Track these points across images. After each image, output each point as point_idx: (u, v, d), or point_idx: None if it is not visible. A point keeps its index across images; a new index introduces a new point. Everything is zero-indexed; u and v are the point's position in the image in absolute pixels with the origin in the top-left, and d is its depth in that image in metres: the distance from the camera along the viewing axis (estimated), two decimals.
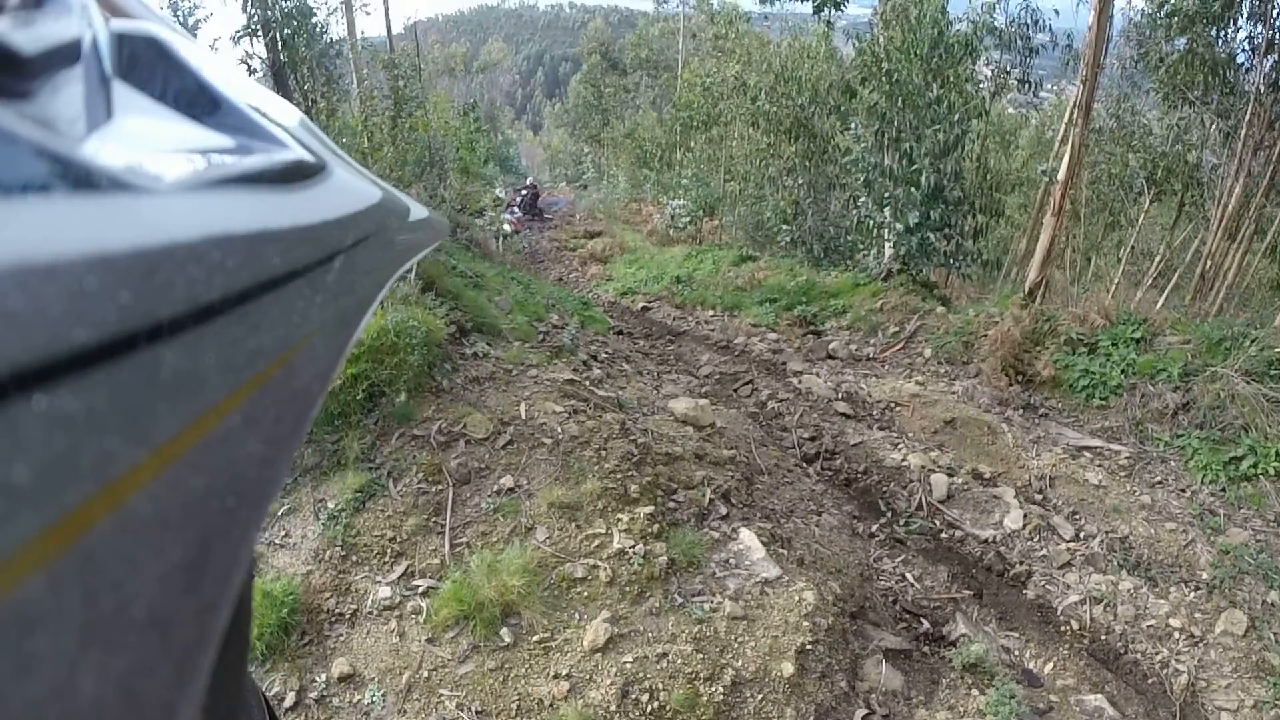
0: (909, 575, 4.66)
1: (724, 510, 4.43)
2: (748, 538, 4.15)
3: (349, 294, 0.37)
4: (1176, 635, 4.47)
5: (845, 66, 15.56)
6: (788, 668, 3.40)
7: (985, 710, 3.54)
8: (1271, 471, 5.92)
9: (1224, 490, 5.93)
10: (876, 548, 4.91)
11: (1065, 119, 12.82)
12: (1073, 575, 4.85)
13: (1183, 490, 5.91)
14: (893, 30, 11.12)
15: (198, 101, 0.34)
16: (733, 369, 7.65)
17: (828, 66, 16.71)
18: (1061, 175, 8.72)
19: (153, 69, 0.33)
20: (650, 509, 4.10)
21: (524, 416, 4.73)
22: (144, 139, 0.27)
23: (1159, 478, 6.02)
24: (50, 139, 0.20)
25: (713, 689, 3.27)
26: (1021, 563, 4.91)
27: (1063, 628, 4.57)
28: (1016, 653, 4.25)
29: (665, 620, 3.58)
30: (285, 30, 10.92)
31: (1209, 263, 12.40)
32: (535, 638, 3.53)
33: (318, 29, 11.67)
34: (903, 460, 5.75)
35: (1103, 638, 4.58)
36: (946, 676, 3.81)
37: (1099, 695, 3.94)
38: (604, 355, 7.20)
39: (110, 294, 0.18)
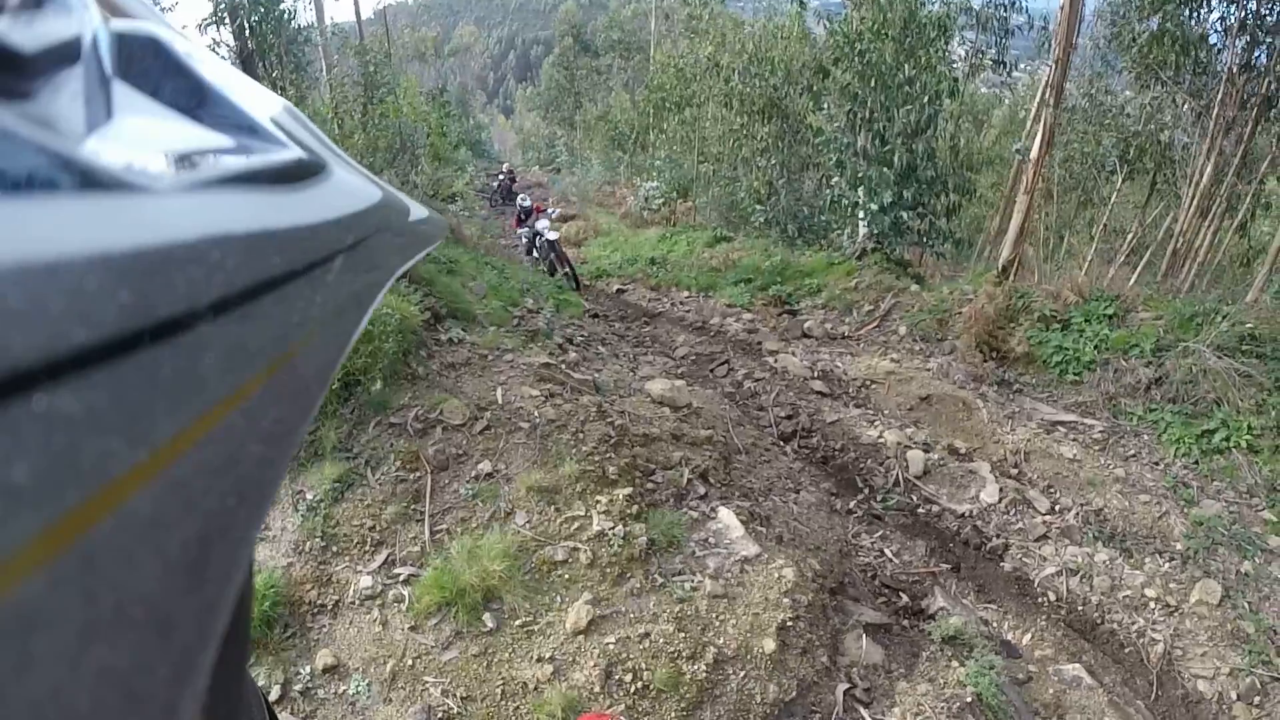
0: (887, 551, 4.70)
1: (702, 490, 4.44)
2: (726, 516, 4.16)
3: (349, 294, 0.37)
4: (1152, 605, 4.55)
5: (818, 47, 15.54)
6: (769, 644, 3.42)
7: (965, 681, 3.58)
8: (1244, 444, 6.04)
9: (1197, 463, 6.04)
10: (855, 524, 4.95)
11: (1038, 99, 12.93)
12: (1049, 548, 4.92)
13: (1156, 463, 6.01)
14: (865, 10, 11.13)
15: (198, 101, 0.34)
16: (708, 349, 7.68)
17: (801, 47, 16.67)
18: (1034, 154, 8.78)
19: (153, 69, 0.33)
20: (629, 490, 4.10)
21: (501, 401, 4.71)
22: (144, 139, 0.27)
23: (1133, 451, 6.11)
24: (50, 139, 0.20)
25: (695, 667, 3.27)
26: (998, 536, 4.97)
27: (1040, 599, 4.64)
28: (995, 624, 4.31)
29: (646, 600, 3.59)
30: (253, 17, 10.78)
31: (1181, 240, 12.60)
32: (518, 622, 3.53)
33: (286, 15, 11.50)
34: (879, 437, 5.79)
35: (1079, 608, 4.65)
36: (926, 649, 3.85)
37: (1077, 664, 4.01)
38: (580, 339, 7.19)
39: (110, 294, 0.18)
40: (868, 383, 6.90)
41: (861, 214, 11.09)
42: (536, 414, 4.58)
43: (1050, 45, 10.76)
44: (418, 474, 4.23)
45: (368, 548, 3.92)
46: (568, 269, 10.81)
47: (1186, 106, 13.16)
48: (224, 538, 0.26)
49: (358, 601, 3.68)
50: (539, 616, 3.56)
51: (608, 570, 3.72)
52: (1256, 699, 4.34)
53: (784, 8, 19.73)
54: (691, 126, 19.30)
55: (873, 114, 10.84)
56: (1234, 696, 4.33)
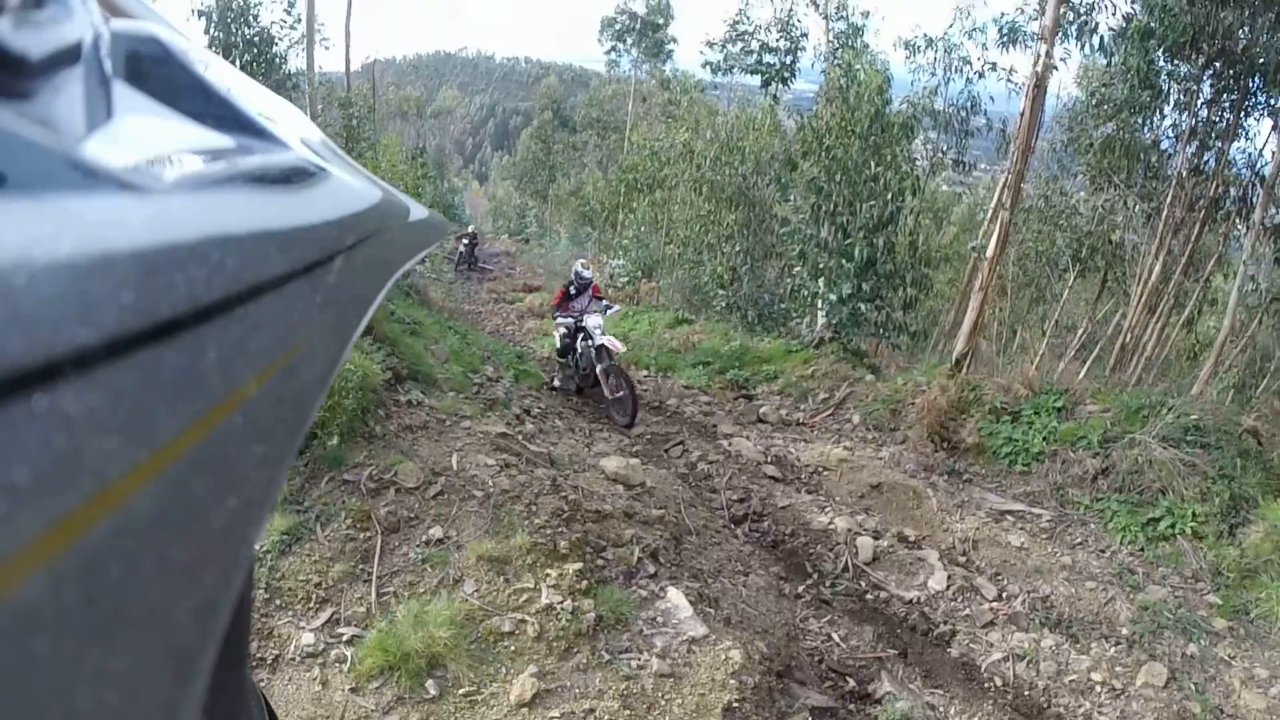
0: (835, 635, 4.69)
1: (652, 569, 4.43)
2: (675, 596, 4.15)
3: (349, 294, 0.37)
4: (1098, 689, 4.58)
5: (788, 140, 15.96)
6: None
7: None
8: (1189, 531, 6.20)
9: (1142, 550, 6.17)
10: (803, 608, 4.94)
11: (995, 198, 13.37)
12: (996, 634, 4.95)
13: (1102, 551, 6.11)
14: (834, 107, 11.52)
15: (198, 101, 0.34)
16: (664, 429, 7.73)
17: (771, 139, 17.18)
18: (990, 252, 9.06)
19: (153, 69, 0.33)
20: (579, 565, 4.08)
21: (455, 468, 4.69)
22: (144, 139, 0.27)
23: (1079, 539, 6.22)
24: (51, 139, 0.20)
25: None
26: (946, 622, 4.99)
27: (987, 684, 4.64)
28: (941, 709, 4.30)
29: (593, 676, 3.55)
30: (245, 56, 10.90)
31: (1129, 335, 12.94)
32: (461, 691, 3.46)
33: (277, 59, 11.64)
34: (829, 523, 5.81)
35: (1026, 693, 4.66)
36: None
37: None
38: (537, 410, 7.20)
39: (111, 294, 0.18)
40: (820, 469, 6.94)
41: (821, 304, 11.31)
42: (491, 483, 4.57)
43: (1009, 148, 11.19)
44: (368, 534, 4.18)
45: (312, 604, 3.84)
46: (623, 393, 7.89)
47: (1137, 208, 13.73)
48: (224, 538, 0.26)
49: (298, 658, 3.59)
50: (483, 687, 3.49)
51: (554, 644, 3.68)
52: None
53: (758, 100, 20.43)
54: (661, 208, 19.69)
55: (837, 207, 11.12)
56: None
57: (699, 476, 6.57)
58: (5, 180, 0.18)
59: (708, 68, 22.54)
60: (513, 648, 3.68)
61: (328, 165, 0.39)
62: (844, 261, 10.84)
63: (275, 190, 0.32)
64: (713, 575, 4.76)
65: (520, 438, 5.69)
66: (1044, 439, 7.20)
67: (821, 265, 11.25)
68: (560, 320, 8.83)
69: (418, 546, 4.15)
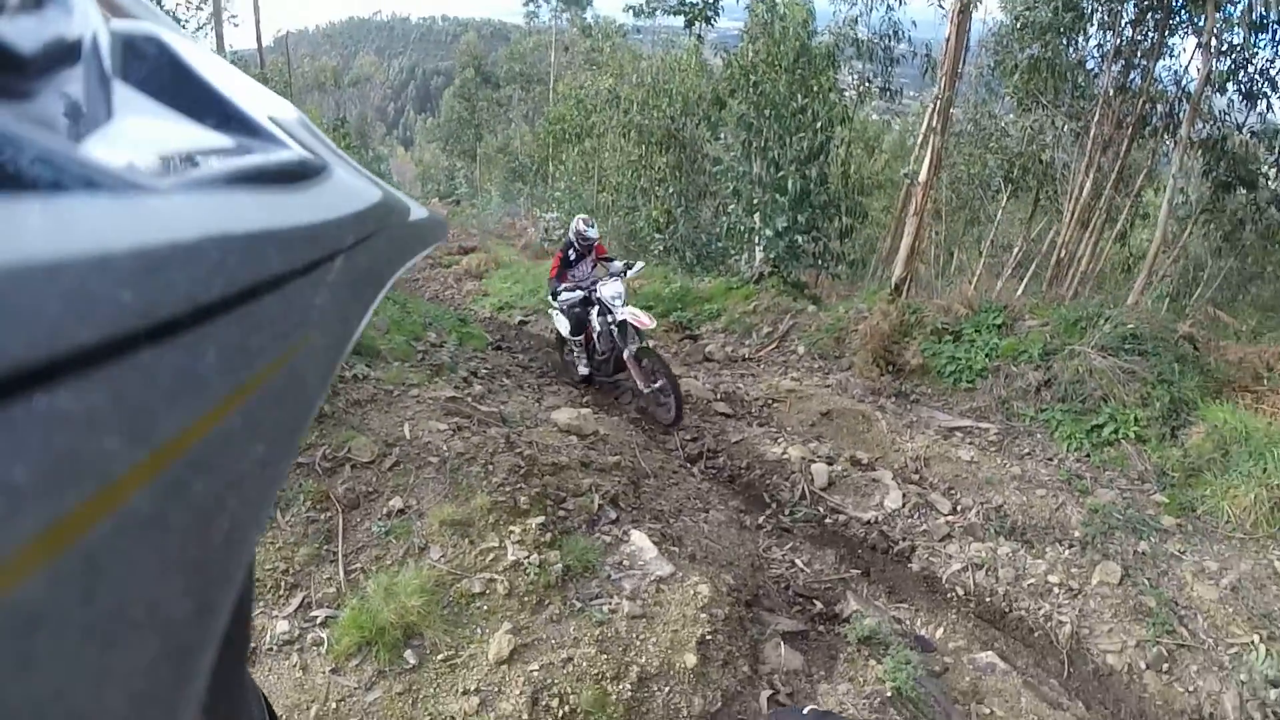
0: (798, 561, 4.79)
1: (614, 515, 4.46)
2: (639, 539, 4.19)
3: (349, 294, 0.37)
4: (1056, 590, 4.75)
5: (715, 79, 15.93)
6: (690, 659, 3.45)
7: (884, 677, 3.68)
8: (1132, 435, 6.42)
9: (1089, 456, 6.38)
10: (765, 538, 5.02)
11: (925, 124, 13.47)
12: (953, 546, 5.10)
13: (1050, 459, 6.30)
14: (759, 43, 11.48)
15: (198, 101, 0.33)
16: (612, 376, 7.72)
17: (698, 79, 17.13)
18: (922, 177, 9.17)
19: (153, 69, 0.33)
20: (541, 519, 4.09)
21: (409, 437, 4.65)
22: (144, 139, 0.27)
23: (1027, 449, 6.41)
24: (50, 139, 0.20)
25: (620, 687, 3.29)
26: (904, 539, 5.12)
27: (949, 595, 4.80)
28: (908, 622, 4.44)
29: (567, 626, 3.57)
30: None
31: (1063, 251, 13.22)
32: (440, 656, 3.47)
33: None
34: (783, 453, 5.89)
35: (987, 600, 4.82)
36: (844, 651, 3.94)
37: (989, 652, 4.17)
38: (484, 371, 7.14)
39: (111, 294, 0.18)
40: (770, 402, 7.02)
41: (758, 239, 11.35)
42: (445, 448, 4.54)
43: (935, 74, 11.25)
44: (328, 513, 4.12)
45: (282, 592, 3.80)
46: (661, 382, 6.49)
47: (1066, 127, 13.95)
48: (224, 538, 0.25)
49: (276, 648, 3.55)
50: (461, 650, 3.51)
51: (526, 599, 3.69)
52: (1164, 666, 4.56)
53: (682, 41, 20.25)
54: (591, 157, 19.56)
55: (767, 142, 11.15)
56: (1143, 666, 4.56)
57: (650, 419, 6.64)
58: (5, 180, 0.18)
59: (629, 12, 22.25)
60: (485, 607, 3.69)
61: (328, 164, 0.39)
62: (778, 196, 10.89)
63: (275, 190, 0.31)
64: (674, 515, 4.82)
65: (470, 400, 5.64)
66: (986, 356, 7.37)
67: (756, 201, 11.30)
68: (563, 294, 7.06)
69: (380, 520, 4.12)
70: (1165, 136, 13.02)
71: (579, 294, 7.08)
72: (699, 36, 18.25)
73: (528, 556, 3.86)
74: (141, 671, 0.21)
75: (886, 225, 17.10)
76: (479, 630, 3.59)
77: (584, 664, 3.39)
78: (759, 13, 12.06)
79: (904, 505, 5.39)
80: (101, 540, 0.18)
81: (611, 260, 7.27)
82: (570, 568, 3.87)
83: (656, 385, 6.61)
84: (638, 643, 3.53)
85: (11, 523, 0.15)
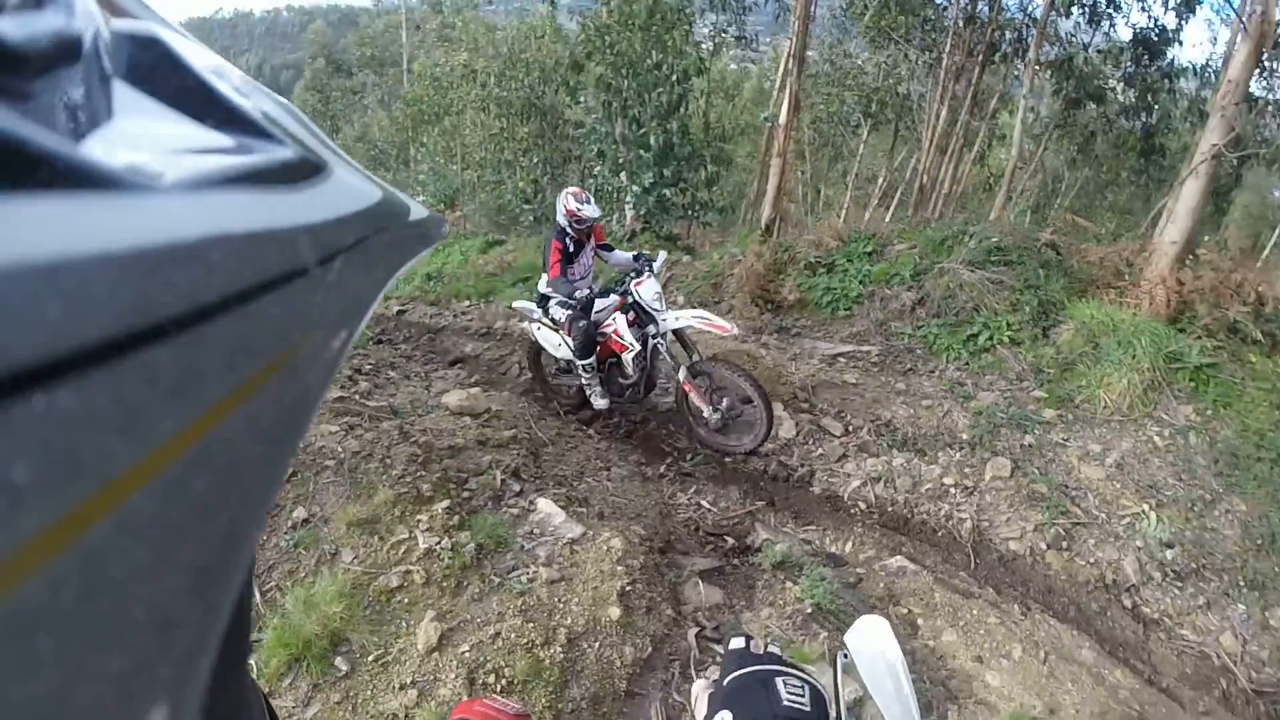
0: (704, 502, 4.89)
1: (517, 487, 4.47)
2: (546, 506, 4.23)
3: (349, 294, 0.37)
4: (953, 490, 4.98)
5: (571, 43, 15.81)
6: (614, 611, 3.53)
7: (802, 596, 3.81)
8: (1006, 340, 6.79)
9: (967, 364, 6.69)
10: (669, 486, 5.10)
11: (782, 68, 13.73)
12: (850, 464, 5.30)
13: (931, 372, 6.58)
14: (613, 3, 11.45)
15: (198, 101, 0.33)
16: (498, 354, 7.66)
17: (555, 45, 16.96)
18: (782, 119, 9.36)
19: (153, 68, 0.32)
20: (446, 503, 4.07)
21: (301, 444, 4.58)
22: (144, 138, 0.27)
23: (909, 366, 6.67)
24: (50, 138, 0.20)
25: (551, 651, 3.34)
26: (803, 465, 5.29)
27: (852, 510, 4.99)
28: (817, 542, 4.59)
29: (489, 602, 3.58)
30: None
31: (925, 177, 13.63)
32: (371, 657, 3.44)
33: None
34: (674, 402, 5.87)
35: (889, 509, 5.04)
36: (760, 579, 4.06)
37: (898, 557, 4.36)
38: (368, 367, 6.97)
39: (110, 294, 0.18)
40: None
41: (628, 197, 11.45)
42: (340, 449, 4.46)
43: (789, 18, 11.47)
44: None
45: None
46: (725, 402, 5.33)
47: (919, 60, 14.42)
48: (224, 538, 0.26)
49: None
50: (390, 646, 3.49)
51: (445, 584, 3.67)
52: (1064, 544, 4.87)
53: (536, 8, 20.01)
54: (452, 136, 19.24)
55: (627, 101, 11.19)
56: (1044, 547, 4.85)
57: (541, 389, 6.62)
58: (5, 180, 0.17)
59: None
60: (406, 600, 3.67)
61: (328, 163, 0.38)
62: (642, 152, 11.00)
63: (275, 190, 0.31)
64: (576, 478, 4.86)
65: (358, 397, 5.56)
66: (860, 282, 7.61)
67: (621, 160, 11.37)
68: (556, 303, 5.64)
69: (286, 534, 4.04)
70: (1015, 61, 13.62)
71: (584, 294, 5.46)
72: (552, 2, 18.11)
73: (439, 542, 3.84)
74: (142, 672, 0.21)
75: (753, 170, 17.30)
76: (405, 623, 3.58)
77: (512, 636, 3.41)
78: None
79: (798, 433, 5.54)
80: (101, 540, 0.18)
81: (611, 250, 5.91)
82: (483, 546, 3.88)
83: (724, 406, 5.35)
84: (561, 605, 3.58)
85: (11, 523, 0.15)
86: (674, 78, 11.09)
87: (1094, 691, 3.86)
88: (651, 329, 5.37)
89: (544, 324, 5.86)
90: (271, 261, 0.27)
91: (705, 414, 5.33)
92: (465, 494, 4.33)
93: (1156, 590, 4.84)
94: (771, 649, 1.01)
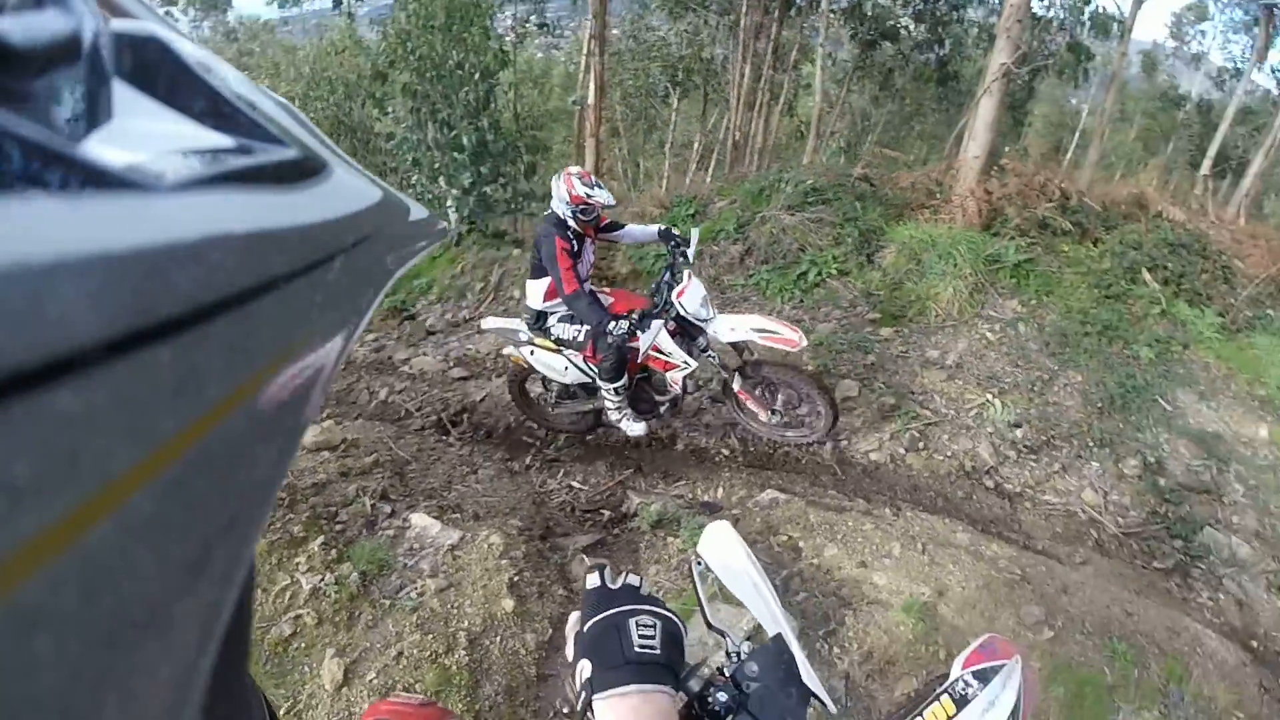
0: (574, 483, 4.97)
1: (388, 509, 4.47)
2: (420, 520, 4.25)
3: (349, 294, 0.37)
4: (808, 420, 5.15)
5: (375, 53, 15.56)
6: (508, 604, 3.61)
7: (684, 547, 3.93)
8: (834, 272, 7.16)
9: (801, 301, 7.02)
10: (537, 475, 5.13)
11: (585, 51, 13.87)
12: (708, 416, 5.47)
13: (770, 314, 6.69)
14: (410, 7, 11.29)
15: (198, 101, 0.33)
16: (345, 382, 7.42)
17: (357, 59, 16.54)
18: (591, 100, 9.47)
19: (153, 68, 0.32)
20: (321, 539, 4.06)
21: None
22: (144, 139, 0.27)
23: (747, 312, 6.83)
24: (50, 138, 0.20)
25: (456, 656, 3.39)
26: (664, 428, 5.42)
27: (717, 459, 5.17)
28: (689, 495, 4.72)
29: (385, 626, 3.60)
30: None
31: (738, 134, 14.03)
32: (283, 710, 3.40)
33: None
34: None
35: (752, 450, 5.24)
36: (643, 540, 4.18)
37: (769, 490, 4.54)
38: None
39: (110, 294, 0.18)
40: (498, 354, 7.08)
41: (449, 202, 11.36)
42: None
43: (587, 2, 11.51)
44: None
45: None
46: (777, 406, 5.01)
47: (719, 24, 14.92)
48: (224, 538, 0.26)
49: None
50: (299, 694, 3.41)
51: (337, 619, 3.64)
52: (920, 445, 5.21)
53: (335, 23, 19.38)
54: None
55: (435, 105, 11.07)
56: (903, 452, 5.17)
57: (394, 409, 6.55)
58: (5, 180, 0.18)
59: (273, 3, 20.99)
60: (303, 645, 3.61)
61: (328, 164, 0.38)
62: (456, 154, 10.92)
63: (275, 190, 0.31)
64: (445, 487, 4.86)
65: None
66: None
67: (437, 165, 11.24)
68: (559, 318, 4.83)
69: None
70: (810, 13, 14.32)
71: (628, 330, 4.45)
72: (350, 14, 17.55)
73: (322, 580, 3.81)
74: (142, 672, 0.21)
75: (570, 154, 17.47)
76: (307, 668, 3.52)
77: (415, 652, 3.45)
78: None
79: None
80: (101, 540, 0.18)
81: (621, 227, 4.94)
82: (366, 573, 3.88)
83: (779, 404, 4.99)
84: (455, 611, 3.63)
85: (11, 523, 0.15)
86: (477, 75, 11.03)
87: (975, 567, 4.12)
88: (701, 340, 4.68)
89: (538, 346, 4.93)
90: (271, 261, 0.27)
91: (763, 418, 5.01)
92: (338, 527, 4.28)
93: (1014, 467, 5.21)
94: (630, 580, 1.05)
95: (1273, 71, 24.13)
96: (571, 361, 4.87)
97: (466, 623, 3.59)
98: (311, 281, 0.30)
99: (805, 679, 1.19)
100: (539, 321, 4.86)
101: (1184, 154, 25.60)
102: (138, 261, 0.19)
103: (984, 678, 1.64)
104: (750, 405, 4.93)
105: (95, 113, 0.25)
